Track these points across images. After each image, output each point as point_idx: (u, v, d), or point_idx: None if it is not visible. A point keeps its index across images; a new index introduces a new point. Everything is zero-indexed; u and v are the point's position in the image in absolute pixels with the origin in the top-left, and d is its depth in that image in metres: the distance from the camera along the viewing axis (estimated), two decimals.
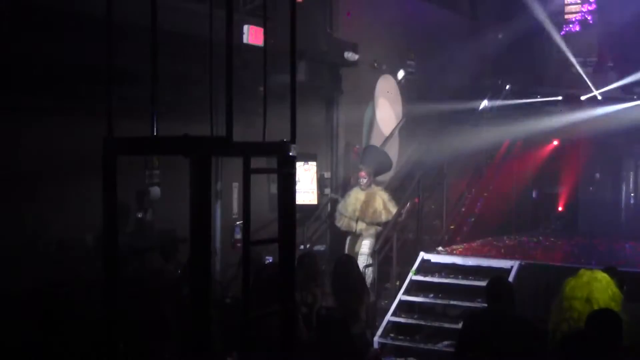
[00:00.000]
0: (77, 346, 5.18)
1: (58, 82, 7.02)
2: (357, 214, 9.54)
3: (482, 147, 11.87)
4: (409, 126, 12.08)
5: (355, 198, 9.65)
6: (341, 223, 9.74)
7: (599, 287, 5.06)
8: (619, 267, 6.34)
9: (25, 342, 5.38)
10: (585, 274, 5.22)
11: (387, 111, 12.20)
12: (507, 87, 13.35)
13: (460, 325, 5.99)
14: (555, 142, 13.62)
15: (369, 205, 9.55)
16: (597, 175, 13.59)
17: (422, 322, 8.60)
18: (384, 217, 9.55)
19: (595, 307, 4.87)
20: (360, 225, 9.52)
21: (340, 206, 9.81)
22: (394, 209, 9.61)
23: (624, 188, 13.75)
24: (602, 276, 5.21)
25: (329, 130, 11.25)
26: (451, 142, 11.11)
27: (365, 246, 9.46)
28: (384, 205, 9.58)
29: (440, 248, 9.91)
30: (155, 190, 8.40)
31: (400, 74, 12.22)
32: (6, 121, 6.85)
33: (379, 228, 9.55)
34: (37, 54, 6.73)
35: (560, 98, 13.05)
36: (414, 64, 12.80)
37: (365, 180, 9.63)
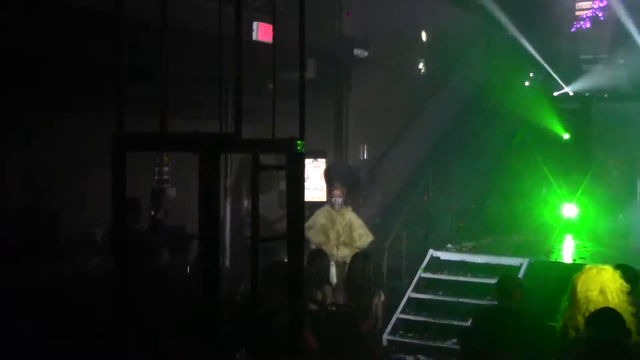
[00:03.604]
0: (87, 342, 5.20)
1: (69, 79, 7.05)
2: (342, 239, 8.29)
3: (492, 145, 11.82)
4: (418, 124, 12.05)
5: (331, 221, 8.37)
6: None
7: (608, 277, 5.06)
8: (632, 265, 6.27)
9: (35, 338, 5.41)
10: (592, 268, 5.22)
11: None
12: None
13: (469, 323, 5.97)
14: (566, 137, 13.51)
15: (352, 228, 8.37)
16: (614, 173, 13.46)
17: (431, 320, 8.58)
18: (365, 241, 8.37)
19: (609, 297, 4.87)
20: (344, 252, 8.18)
21: (312, 235, 8.21)
22: (369, 232, 8.52)
23: (638, 185, 13.62)
24: (607, 268, 5.22)
25: (338, 127, 11.23)
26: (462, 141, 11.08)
27: (334, 276, 7.99)
28: (362, 227, 8.48)
29: (449, 245, 9.87)
30: (172, 190, 8.39)
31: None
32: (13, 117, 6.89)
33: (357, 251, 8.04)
34: (43, 51, 6.75)
35: None
36: (423, 61, 12.76)
37: (340, 200, 8.43)
